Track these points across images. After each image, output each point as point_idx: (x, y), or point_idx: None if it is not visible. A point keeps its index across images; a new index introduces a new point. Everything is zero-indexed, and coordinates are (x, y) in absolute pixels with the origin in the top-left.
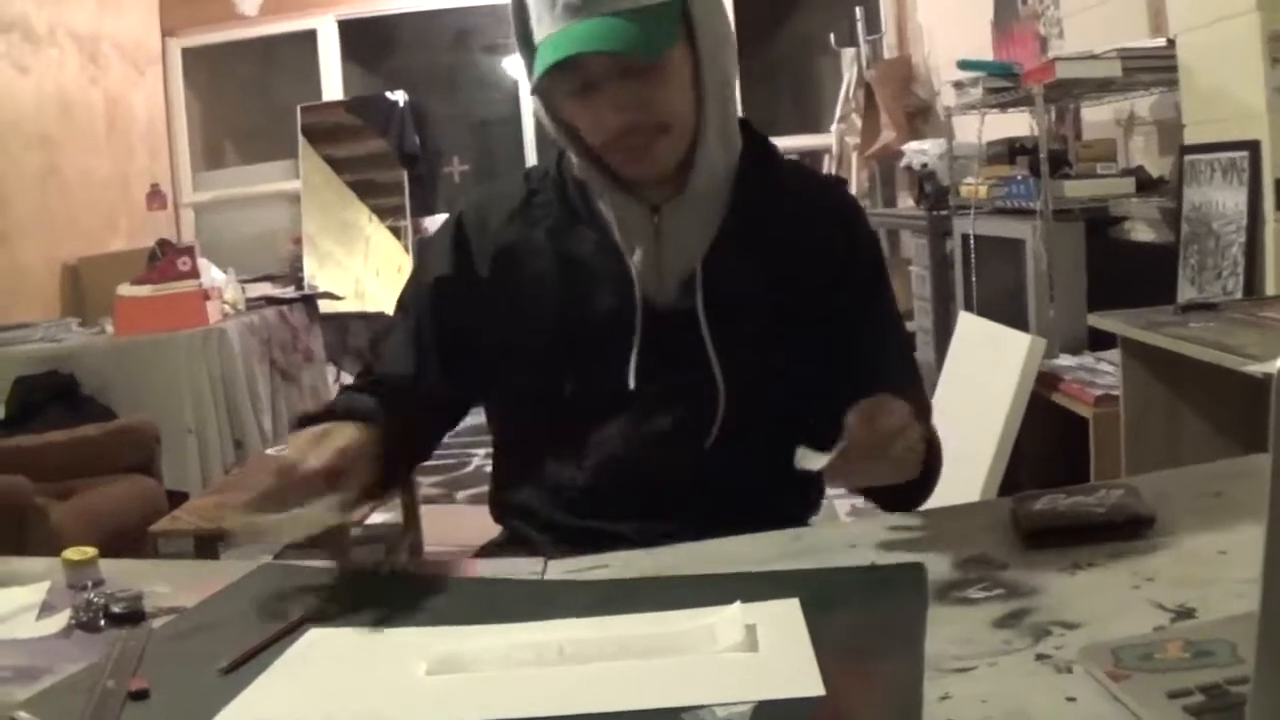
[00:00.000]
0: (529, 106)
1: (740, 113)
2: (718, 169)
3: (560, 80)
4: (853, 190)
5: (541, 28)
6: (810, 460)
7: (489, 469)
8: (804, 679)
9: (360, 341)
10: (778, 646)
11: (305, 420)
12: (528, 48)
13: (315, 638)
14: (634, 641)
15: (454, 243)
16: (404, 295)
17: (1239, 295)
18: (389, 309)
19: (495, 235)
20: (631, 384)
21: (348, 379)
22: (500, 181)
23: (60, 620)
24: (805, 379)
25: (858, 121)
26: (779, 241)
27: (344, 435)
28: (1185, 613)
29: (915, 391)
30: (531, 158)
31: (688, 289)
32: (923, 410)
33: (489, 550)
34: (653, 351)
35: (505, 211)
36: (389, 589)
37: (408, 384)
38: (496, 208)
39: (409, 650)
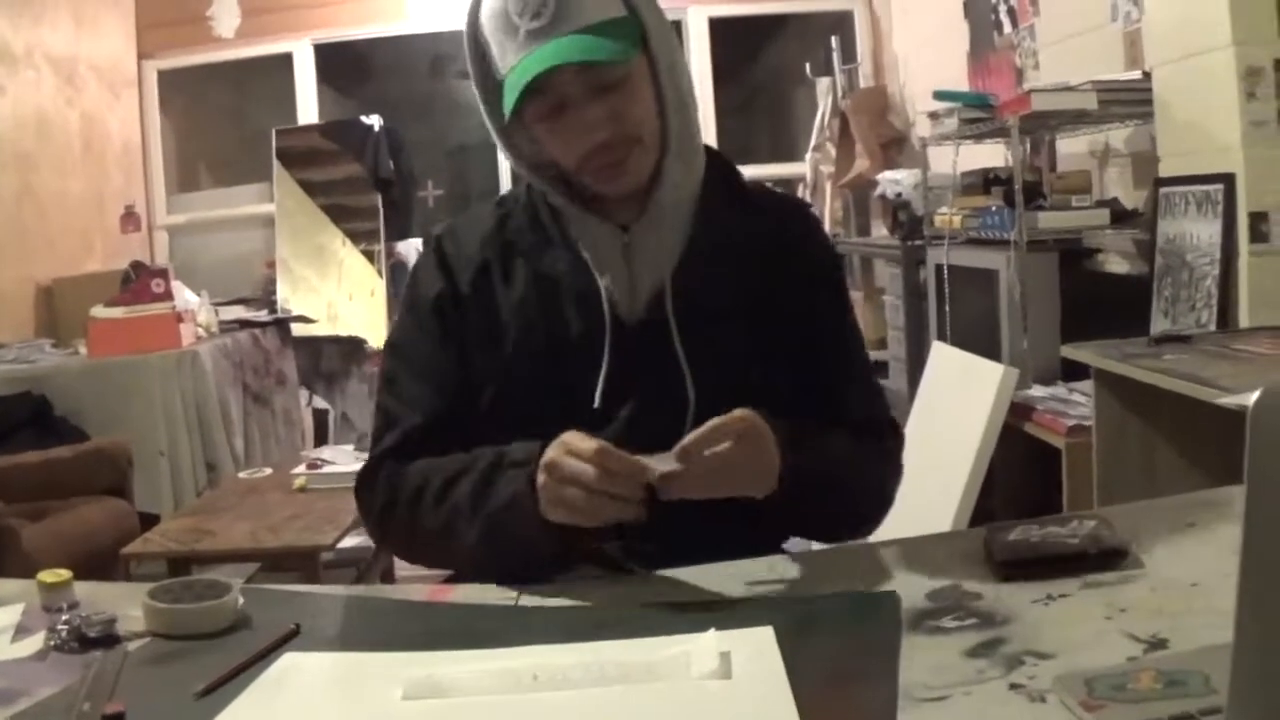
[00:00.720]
0: None
1: (711, 141)
2: (682, 184)
3: (532, 105)
4: (825, 218)
5: (506, 59)
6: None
7: None
8: (778, 708)
9: (333, 365)
10: (752, 674)
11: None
12: (488, 88)
13: (291, 662)
14: (608, 668)
15: (438, 263)
16: (399, 336)
17: (1212, 328)
18: (362, 333)
19: (472, 257)
20: (597, 402)
21: (320, 403)
22: (473, 209)
23: (35, 643)
24: (775, 394)
25: (832, 151)
26: (745, 257)
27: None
28: (1158, 643)
29: (874, 410)
30: (506, 183)
31: (658, 304)
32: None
33: (461, 575)
34: (624, 370)
35: (479, 235)
36: (363, 613)
37: (446, 421)
38: (471, 231)
39: (385, 675)
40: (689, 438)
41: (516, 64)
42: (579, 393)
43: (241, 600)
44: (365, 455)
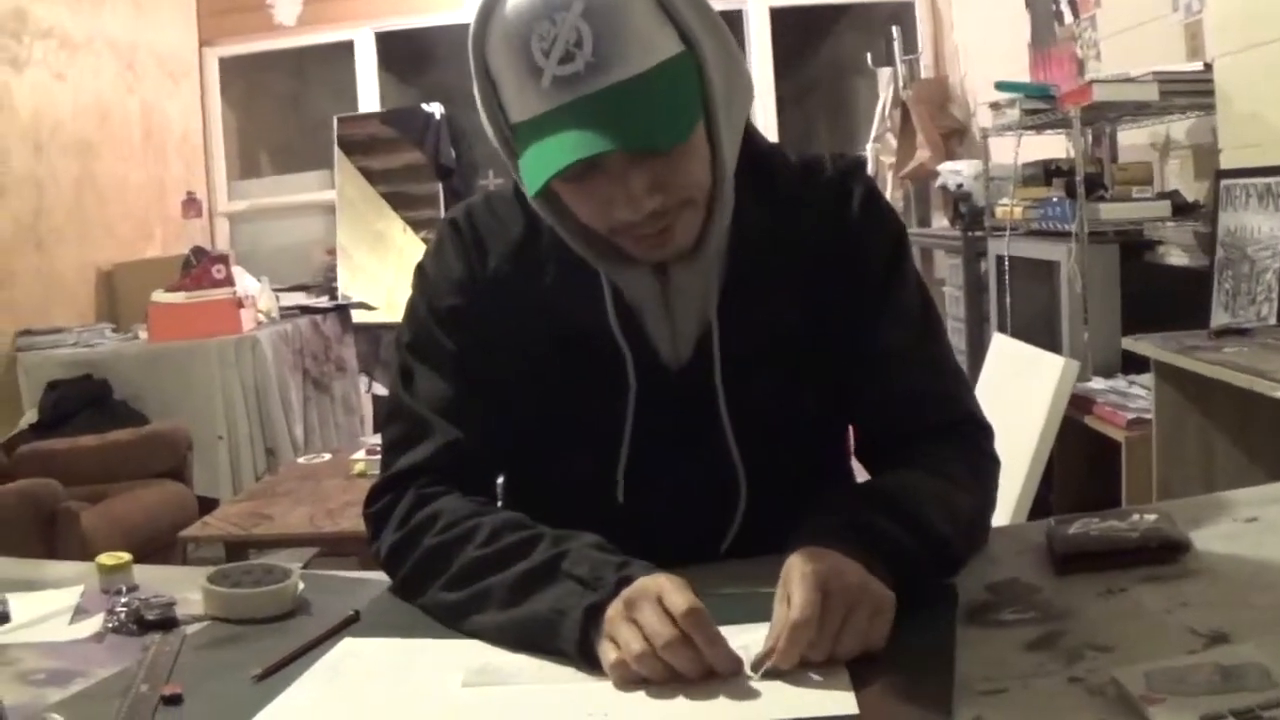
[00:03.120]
0: None
1: (771, 133)
2: (727, 219)
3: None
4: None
5: (525, 105)
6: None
7: None
8: (837, 697)
9: (392, 352)
10: (810, 664)
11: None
12: (499, 124)
13: (350, 648)
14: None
15: (456, 254)
16: (417, 339)
17: (1273, 321)
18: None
19: (494, 267)
20: (620, 497)
21: (380, 390)
22: (495, 200)
23: (94, 624)
24: (831, 424)
25: (893, 141)
26: (788, 275)
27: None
28: (1219, 637)
29: (951, 411)
30: None
31: (707, 351)
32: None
33: None
34: (658, 426)
35: (504, 244)
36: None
37: (468, 443)
38: (495, 235)
39: (443, 663)
40: (775, 648)
41: (538, 120)
42: (601, 455)
43: (302, 585)
44: None
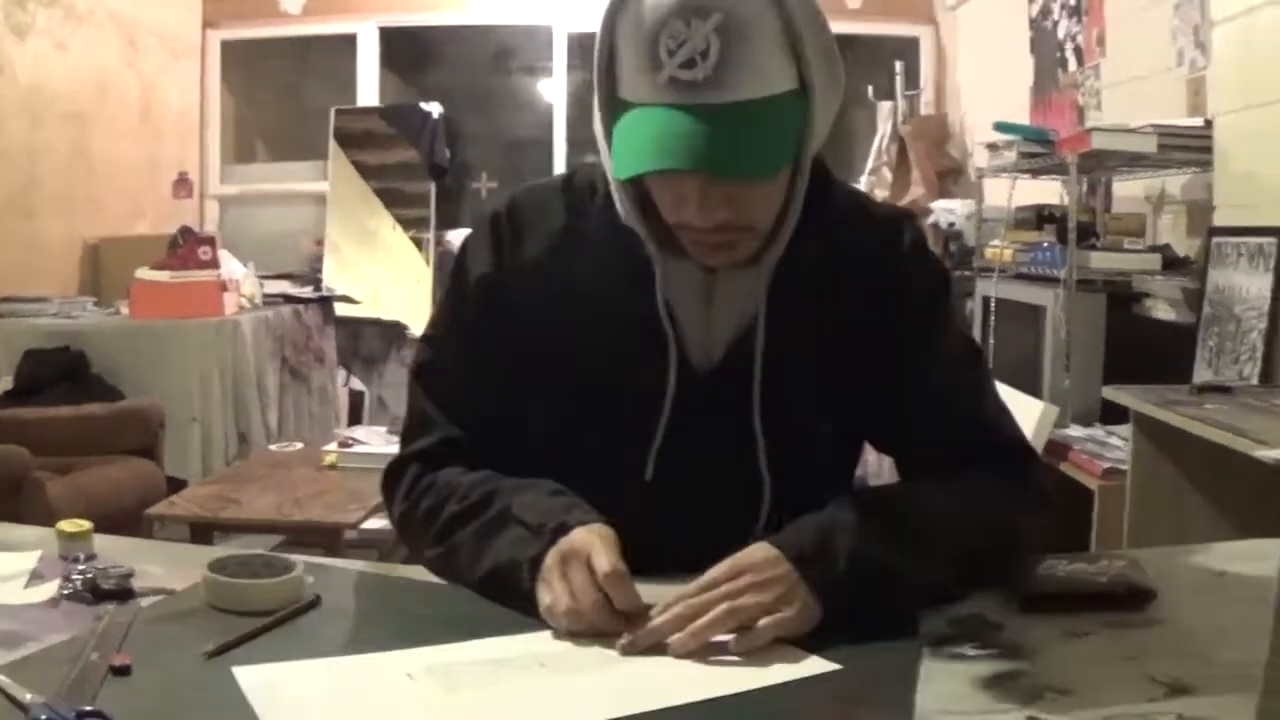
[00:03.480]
0: (561, 131)
1: None
2: (789, 235)
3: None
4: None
5: (636, 89)
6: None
7: None
8: (806, 661)
9: (372, 348)
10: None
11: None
12: (607, 95)
13: (269, 676)
14: (612, 650)
15: (492, 245)
16: (441, 324)
17: (1255, 381)
18: (404, 318)
19: (531, 257)
20: (649, 474)
21: (357, 384)
22: (540, 190)
23: (49, 590)
24: (852, 442)
25: (888, 175)
26: (834, 289)
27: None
28: (1180, 688)
29: (989, 437)
30: None
31: (738, 358)
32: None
33: None
34: (688, 422)
35: (544, 235)
36: (376, 591)
37: (484, 430)
38: (535, 226)
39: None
40: (671, 611)
41: (646, 110)
42: (634, 437)
43: (311, 579)
44: (397, 439)
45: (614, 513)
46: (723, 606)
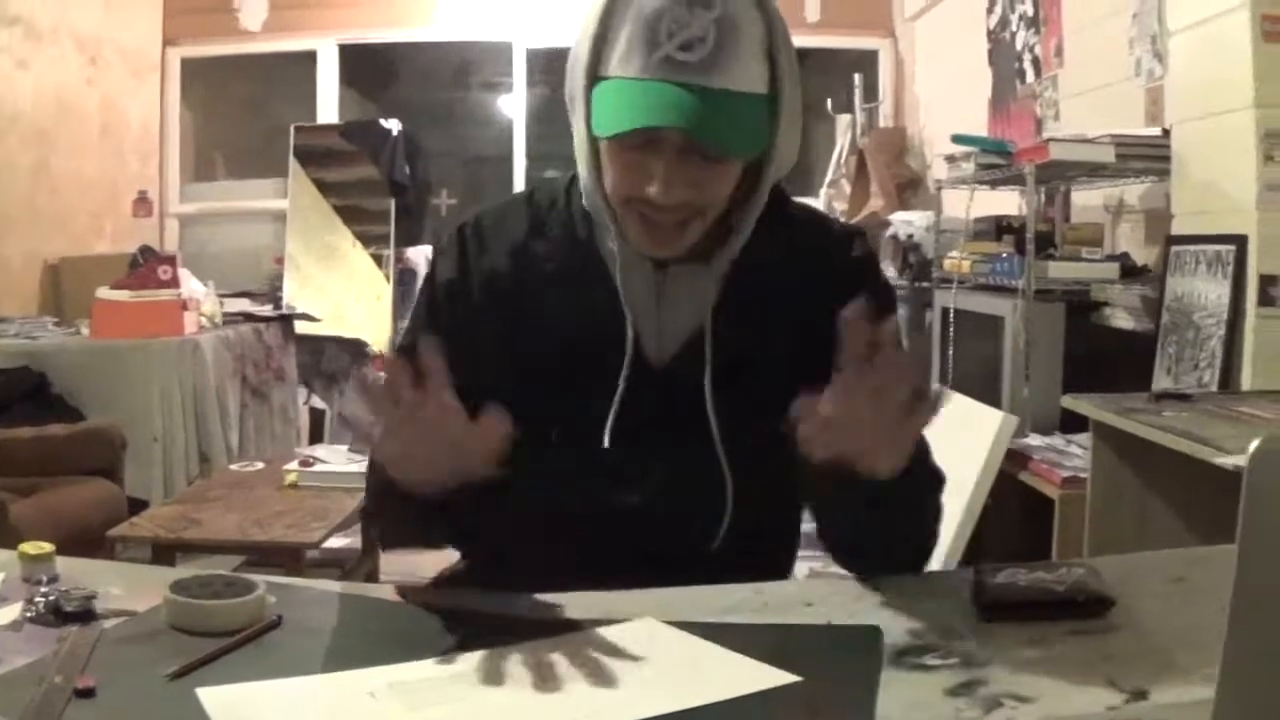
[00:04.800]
0: (521, 147)
1: None
2: (743, 241)
3: (639, 129)
4: None
5: (627, 63)
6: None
7: None
8: (766, 674)
9: (333, 365)
10: (699, 655)
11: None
12: (592, 76)
13: (232, 696)
14: (566, 663)
15: (458, 256)
16: (413, 327)
17: (1214, 388)
18: (365, 336)
19: (494, 264)
20: (605, 443)
21: (318, 402)
22: (504, 205)
23: (11, 613)
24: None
25: (847, 188)
26: (786, 304)
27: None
28: (1140, 694)
29: (927, 456)
30: None
31: (690, 355)
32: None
33: (446, 580)
34: (643, 416)
35: (507, 242)
36: (339, 609)
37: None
38: (499, 235)
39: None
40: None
41: (637, 82)
42: (591, 430)
43: (274, 599)
44: (359, 457)
45: (573, 506)
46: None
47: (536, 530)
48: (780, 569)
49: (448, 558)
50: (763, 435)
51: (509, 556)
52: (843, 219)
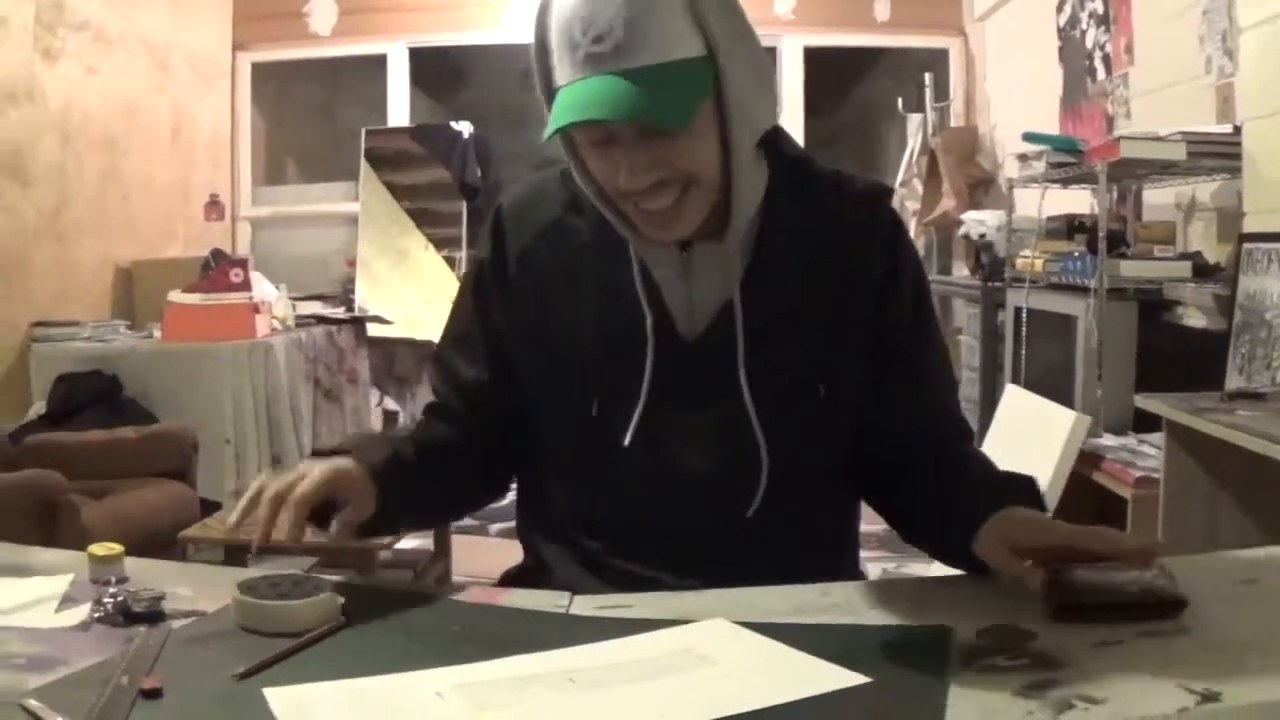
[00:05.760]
0: None
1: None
2: (751, 210)
3: (580, 129)
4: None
5: (562, 72)
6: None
7: None
8: (836, 674)
9: (406, 368)
10: (738, 649)
11: (316, 453)
12: (549, 92)
13: (301, 697)
14: (641, 665)
15: (492, 233)
16: (457, 304)
17: None
18: (437, 339)
19: (528, 242)
20: (627, 440)
21: (391, 404)
22: (541, 179)
23: (80, 613)
24: (844, 415)
25: (919, 187)
26: (813, 265)
27: (344, 472)
28: (1211, 696)
29: (955, 426)
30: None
31: (722, 328)
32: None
33: (510, 578)
34: (674, 399)
35: (541, 221)
36: (407, 610)
37: (484, 388)
38: (533, 213)
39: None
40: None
41: (567, 86)
42: (619, 406)
43: (342, 600)
44: None
45: (596, 479)
46: None
47: (575, 512)
48: (825, 541)
49: (514, 557)
50: (797, 402)
51: (560, 541)
52: (914, 219)
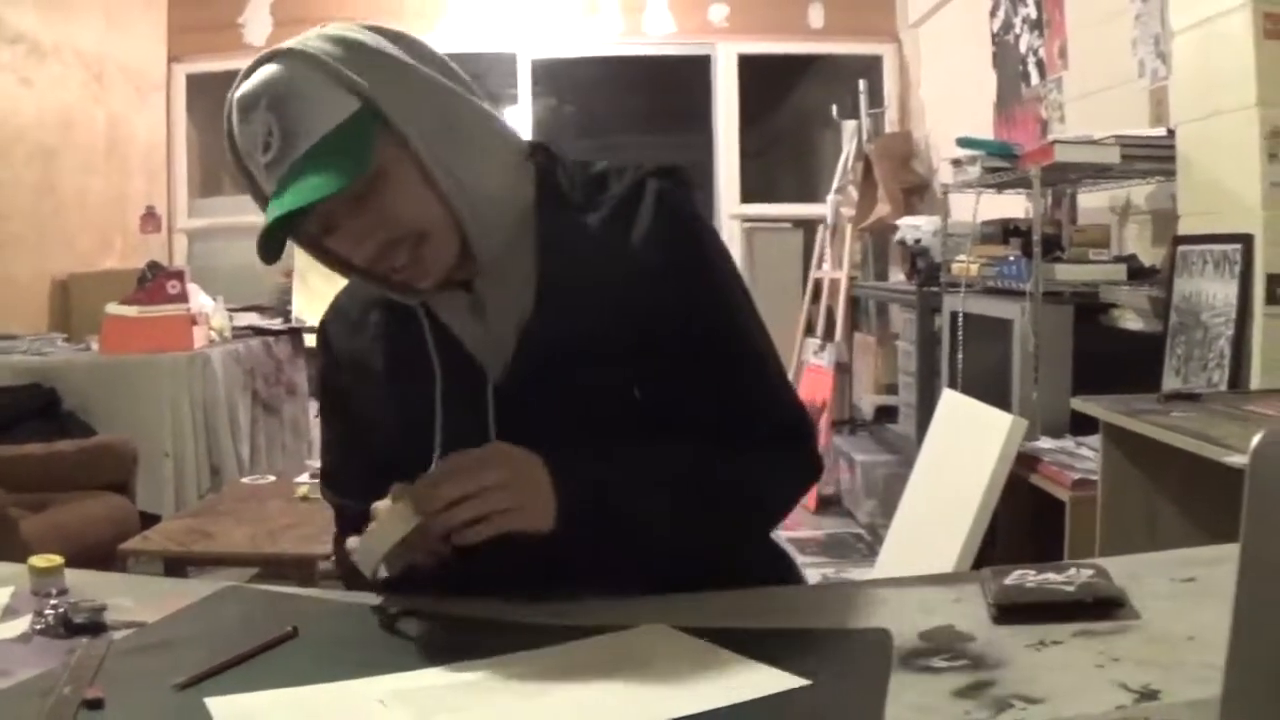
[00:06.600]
0: None
1: (733, 180)
2: (496, 237)
3: (303, 231)
4: (844, 261)
5: (264, 187)
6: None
7: None
8: (776, 677)
9: None
10: (710, 660)
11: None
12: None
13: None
14: (582, 671)
15: (321, 351)
16: (321, 430)
17: (1223, 388)
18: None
19: (345, 348)
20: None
21: None
22: (351, 284)
23: (21, 625)
24: (659, 425)
25: (854, 194)
26: (607, 276)
27: None
28: (1149, 694)
29: (779, 415)
30: None
31: (522, 355)
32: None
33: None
34: (509, 429)
35: (350, 324)
36: (351, 620)
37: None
38: (346, 318)
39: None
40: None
41: (270, 201)
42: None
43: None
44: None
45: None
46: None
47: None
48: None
49: None
50: (615, 410)
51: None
52: (850, 225)
